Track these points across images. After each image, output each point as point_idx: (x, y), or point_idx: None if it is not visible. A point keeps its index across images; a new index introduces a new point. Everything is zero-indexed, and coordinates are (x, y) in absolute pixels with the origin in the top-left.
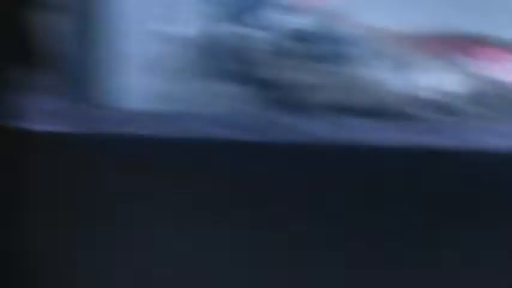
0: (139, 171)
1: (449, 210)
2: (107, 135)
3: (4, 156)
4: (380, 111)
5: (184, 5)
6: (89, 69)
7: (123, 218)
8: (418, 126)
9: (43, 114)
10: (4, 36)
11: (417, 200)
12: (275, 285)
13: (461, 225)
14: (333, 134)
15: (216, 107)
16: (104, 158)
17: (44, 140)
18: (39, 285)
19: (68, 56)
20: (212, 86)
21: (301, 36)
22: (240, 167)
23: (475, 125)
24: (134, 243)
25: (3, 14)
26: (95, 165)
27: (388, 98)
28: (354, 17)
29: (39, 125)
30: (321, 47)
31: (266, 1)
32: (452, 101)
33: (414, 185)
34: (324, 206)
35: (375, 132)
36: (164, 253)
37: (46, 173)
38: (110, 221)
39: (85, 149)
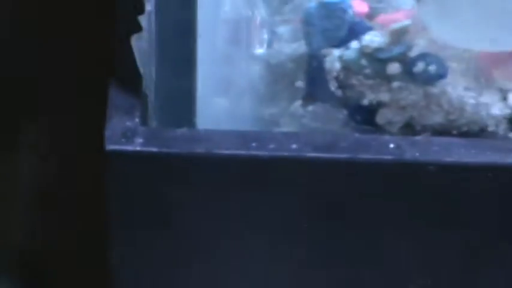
0: (220, 190)
1: None
2: (184, 154)
3: (95, 178)
4: (460, 129)
5: (265, 26)
6: (173, 92)
7: (201, 238)
8: (500, 144)
9: (123, 135)
10: (100, 58)
11: (503, 220)
12: None
13: None
14: (413, 153)
15: (295, 126)
16: (180, 178)
17: (125, 159)
18: None
19: (152, 79)
20: (291, 106)
21: (379, 56)
22: (319, 186)
23: None
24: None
25: (99, 35)
26: (172, 184)
27: (468, 116)
28: (435, 34)
29: (119, 145)
30: (399, 65)
31: (351, 22)
32: None
33: (500, 204)
34: (407, 226)
35: (456, 150)
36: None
37: (127, 192)
38: (189, 242)
39: (164, 169)
